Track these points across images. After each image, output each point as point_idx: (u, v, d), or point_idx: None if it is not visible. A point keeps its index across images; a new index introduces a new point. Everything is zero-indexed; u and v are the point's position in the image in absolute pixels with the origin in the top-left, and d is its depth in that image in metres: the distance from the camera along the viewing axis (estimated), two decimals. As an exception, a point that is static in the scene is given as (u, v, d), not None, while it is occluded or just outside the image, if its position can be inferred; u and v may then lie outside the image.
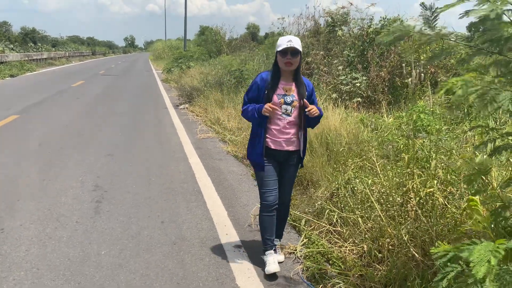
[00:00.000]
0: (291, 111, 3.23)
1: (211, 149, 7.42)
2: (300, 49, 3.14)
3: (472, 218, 2.54)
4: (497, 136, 2.56)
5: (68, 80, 21.06)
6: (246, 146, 3.57)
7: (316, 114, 3.17)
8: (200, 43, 30.00)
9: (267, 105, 3.10)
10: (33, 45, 43.03)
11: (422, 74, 8.39)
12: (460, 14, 2.05)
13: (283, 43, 3.11)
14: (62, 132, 8.36)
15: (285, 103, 3.21)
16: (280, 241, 3.66)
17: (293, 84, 3.26)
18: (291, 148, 3.32)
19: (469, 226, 2.48)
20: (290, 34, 12.87)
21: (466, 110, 6.43)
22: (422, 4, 8.61)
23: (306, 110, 3.17)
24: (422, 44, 2.27)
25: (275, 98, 3.20)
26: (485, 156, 2.77)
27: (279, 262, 3.40)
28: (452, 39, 2.18)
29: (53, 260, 3.41)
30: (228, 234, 4.00)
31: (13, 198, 4.71)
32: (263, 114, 3.13)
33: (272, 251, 3.38)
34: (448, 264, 1.97)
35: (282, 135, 3.26)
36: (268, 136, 3.27)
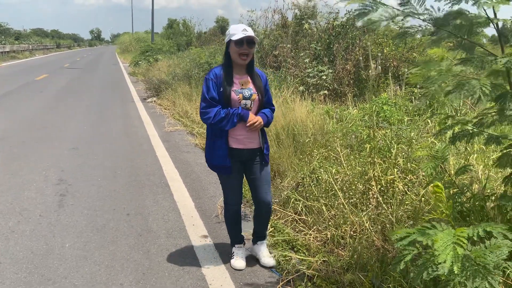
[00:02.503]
0: (251, 105, 3.04)
1: (178, 142, 7.39)
2: (257, 38, 2.98)
3: (435, 203, 2.61)
4: (456, 122, 2.67)
5: (31, 73, 20.50)
6: None
7: (259, 126, 3.04)
8: (169, 36, 29.67)
9: (251, 120, 2.98)
10: (-6, 38, 41.65)
11: (379, 66, 8.60)
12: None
13: (237, 31, 2.89)
14: (25, 126, 8.15)
15: (244, 98, 3.01)
16: (264, 241, 3.42)
17: (248, 76, 3.08)
18: (253, 145, 3.12)
19: (432, 215, 2.52)
20: (257, 28, 12.89)
21: (428, 102, 6.64)
22: None
23: (247, 125, 3.01)
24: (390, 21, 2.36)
25: (233, 94, 2.99)
26: (444, 145, 2.88)
27: (270, 267, 3.27)
28: (420, 18, 2.28)
29: (15, 254, 3.35)
30: (195, 225, 4.02)
31: (-27, 193, 4.58)
32: (249, 128, 3.01)
33: (241, 245, 3.38)
34: (406, 247, 2.06)
35: (243, 132, 3.06)
36: (229, 135, 3.06)
